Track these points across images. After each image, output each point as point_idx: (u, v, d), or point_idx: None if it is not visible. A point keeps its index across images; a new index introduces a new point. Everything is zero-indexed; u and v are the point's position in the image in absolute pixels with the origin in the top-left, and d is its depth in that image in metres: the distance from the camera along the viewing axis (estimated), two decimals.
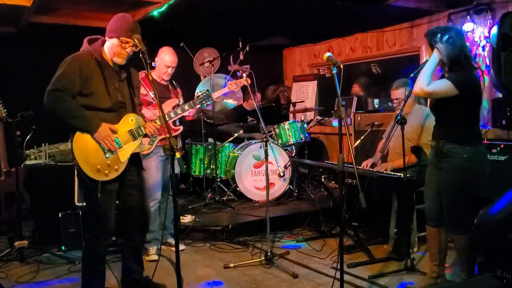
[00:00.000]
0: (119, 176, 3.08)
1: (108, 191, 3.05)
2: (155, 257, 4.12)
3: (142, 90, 4.18)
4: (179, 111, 3.77)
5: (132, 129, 3.11)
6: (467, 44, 3.24)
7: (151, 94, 4.13)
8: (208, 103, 4.12)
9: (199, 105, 4.04)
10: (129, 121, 3.11)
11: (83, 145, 2.95)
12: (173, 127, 4.15)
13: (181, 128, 4.27)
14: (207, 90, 4.15)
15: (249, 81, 4.47)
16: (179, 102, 4.35)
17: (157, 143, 4.10)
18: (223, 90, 4.55)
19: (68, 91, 2.87)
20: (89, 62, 2.97)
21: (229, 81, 4.50)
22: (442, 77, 3.21)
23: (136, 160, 3.26)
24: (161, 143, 4.08)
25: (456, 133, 3.12)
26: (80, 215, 4.46)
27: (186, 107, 3.91)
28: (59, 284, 3.76)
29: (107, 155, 2.99)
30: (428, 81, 3.07)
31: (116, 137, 3.03)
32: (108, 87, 3.01)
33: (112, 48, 3.05)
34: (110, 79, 3.04)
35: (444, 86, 3.04)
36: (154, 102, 4.12)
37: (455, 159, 3.09)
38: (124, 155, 3.07)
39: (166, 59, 4.19)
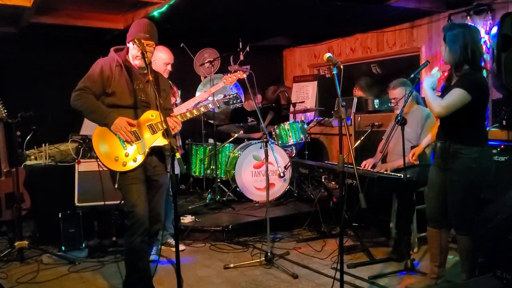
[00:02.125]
0: (144, 171, 3.15)
1: (130, 179, 3.09)
2: (155, 257, 4.12)
3: None
4: (202, 108, 3.75)
5: (151, 123, 3.18)
6: (478, 40, 3.15)
7: None
8: (236, 105, 4.09)
9: (224, 105, 4.02)
10: (150, 116, 3.18)
11: (101, 137, 3.10)
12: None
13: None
14: (237, 93, 4.13)
15: (243, 75, 4.44)
16: (175, 101, 4.34)
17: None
18: (218, 85, 4.52)
19: (89, 89, 3.07)
20: (111, 64, 3.12)
21: (224, 76, 4.46)
22: (449, 79, 3.21)
23: (161, 160, 3.31)
24: None
25: (463, 134, 3.10)
26: (80, 215, 4.47)
27: (210, 105, 3.86)
28: (59, 285, 3.76)
29: (124, 146, 3.09)
30: (437, 99, 3.05)
31: (134, 129, 3.12)
32: (130, 87, 3.13)
33: (131, 51, 3.19)
34: (133, 80, 3.15)
35: (458, 95, 2.99)
36: None
37: (463, 160, 3.06)
38: (142, 147, 3.13)
39: (164, 57, 4.19)
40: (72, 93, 3.09)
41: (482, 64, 3.13)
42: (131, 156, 3.09)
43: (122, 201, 3.19)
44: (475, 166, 3.05)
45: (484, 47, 5.23)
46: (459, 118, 3.05)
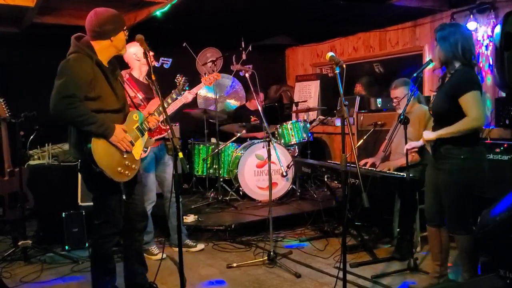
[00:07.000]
0: None
1: (119, 191, 3.08)
2: (160, 256, 4.14)
3: (130, 92, 4.09)
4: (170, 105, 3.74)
5: (138, 125, 3.12)
6: (469, 38, 3.13)
7: (140, 96, 4.06)
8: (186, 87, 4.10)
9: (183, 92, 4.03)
10: (134, 118, 3.10)
11: (103, 150, 2.87)
12: (162, 126, 4.02)
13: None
14: (183, 75, 4.11)
15: (219, 76, 4.46)
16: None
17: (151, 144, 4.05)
18: (200, 86, 4.45)
19: (77, 97, 2.74)
20: (91, 64, 2.86)
21: (203, 77, 4.44)
22: (444, 77, 3.20)
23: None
24: (155, 144, 4.01)
25: None
26: (84, 214, 4.48)
27: (169, 100, 3.88)
28: (63, 284, 3.78)
29: (125, 156, 2.97)
30: (455, 125, 3.00)
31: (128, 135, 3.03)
32: (114, 87, 2.98)
33: (122, 42, 3.03)
34: (111, 80, 2.98)
35: (473, 98, 2.95)
36: (142, 104, 4.00)
37: (452, 160, 3.06)
38: (137, 152, 3.08)
39: (134, 50, 4.07)
40: (56, 100, 2.71)
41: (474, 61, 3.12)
42: (130, 165, 3.00)
43: (98, 207, 3.11)
44: (465, 167, 3.03)
45: (485, 45, 5.25)
46: (450, 118, 3.03)
